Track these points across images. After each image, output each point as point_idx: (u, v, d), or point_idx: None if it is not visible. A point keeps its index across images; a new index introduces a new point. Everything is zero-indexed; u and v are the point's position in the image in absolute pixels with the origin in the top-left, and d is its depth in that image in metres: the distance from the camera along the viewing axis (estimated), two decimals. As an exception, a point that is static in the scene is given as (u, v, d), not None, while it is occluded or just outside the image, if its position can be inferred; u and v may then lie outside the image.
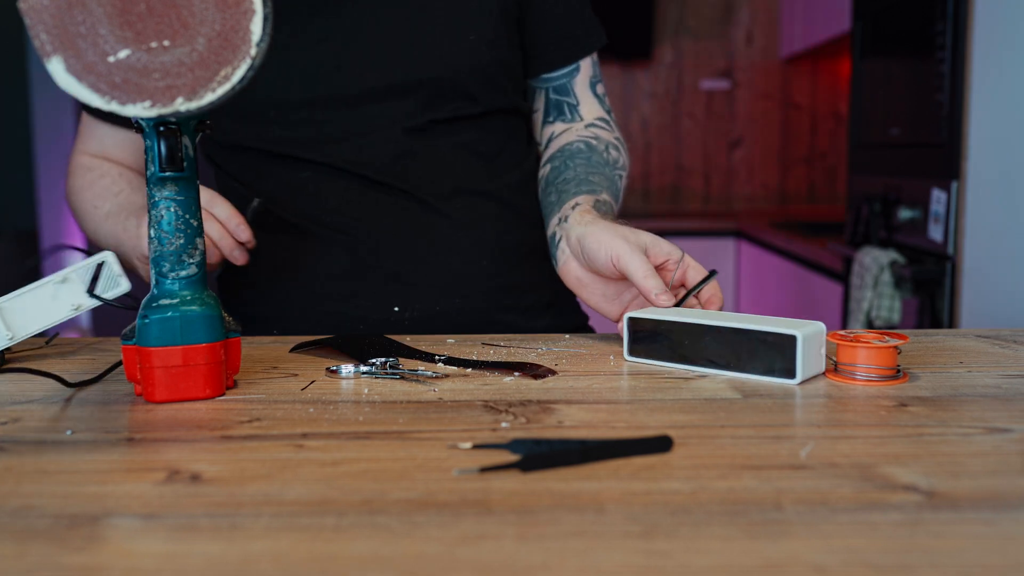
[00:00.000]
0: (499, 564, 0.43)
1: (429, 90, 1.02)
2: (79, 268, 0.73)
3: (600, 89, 1.16)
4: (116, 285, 0.75)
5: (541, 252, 1.08)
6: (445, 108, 1.04)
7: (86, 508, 0.50)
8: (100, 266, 0.73)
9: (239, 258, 0.95)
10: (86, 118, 1.13)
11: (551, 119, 1.15)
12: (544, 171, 1.10)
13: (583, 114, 1.14)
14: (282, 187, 1.04)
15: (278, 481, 0.53)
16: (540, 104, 1.16)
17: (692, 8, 4.05)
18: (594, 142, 1.09)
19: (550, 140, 1.14)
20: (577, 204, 0.96)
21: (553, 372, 0.79)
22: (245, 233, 0.94)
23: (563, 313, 1.16)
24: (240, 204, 1.01)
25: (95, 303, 0.74)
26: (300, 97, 1.01)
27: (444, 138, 1.05)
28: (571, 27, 1.12)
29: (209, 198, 0.92)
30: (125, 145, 1.12)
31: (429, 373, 0.78)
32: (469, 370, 0.81)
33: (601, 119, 1.14)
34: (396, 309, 1.03)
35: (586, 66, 1.14)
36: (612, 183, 1.05)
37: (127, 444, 0.61)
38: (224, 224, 0.93)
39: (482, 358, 0.85)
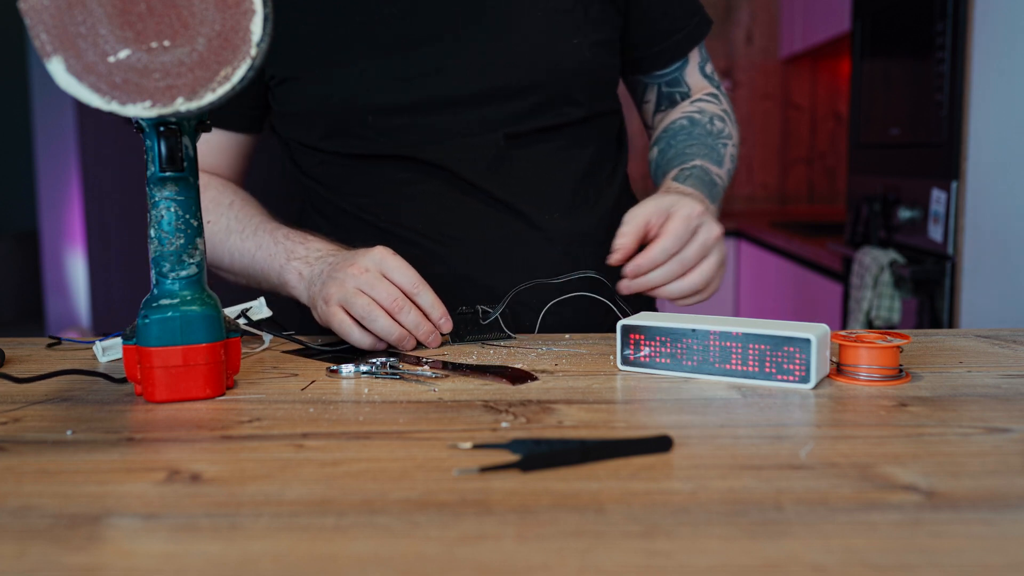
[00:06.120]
0: (499, 564, 0.43)
1: (532, 95, 0.99)
2: (240, 306, 0.93)
3: (709, 69, 1.15)
4: (260, 312, 0.94)
5: None
6: (549, 114, 1.01)
7: (86, 508, 0.50)
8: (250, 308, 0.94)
9: (434, 342, 0.89)
10: None
11: (662, 108, 1.16)
12: (652, 154, 1.11)
13: (692, 96, 1.14)
14: (377, 190, 1.01)
15: (278, 481, 0.53)
16: (652, 96, 1.15)
17: (692, 8, 4.05)
18: (697, 116, 1.10)
19: (659, 124, 1.15)
20: (665, 179, 1.00)
21: (534, 377, 0.77)
22: (448, 325, 0.88)
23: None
24: (326, 211, 1.01)
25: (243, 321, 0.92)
26: (400, 101, 0.97)
27: (544, 143, 1.02)
28: (679, 20, 1.10)
29: (414, 282, 0.86)
30: (222, 148, 1.04)
31: (429, 373, 0.78)
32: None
33: (709, 94, 1.14)
34: None
35: (694, 55, 1.13)
36: (713, 150, 1.06)
37: (127, 444, 0.61)
38: (428, 313, 0.87)
39: (482, 359, 0.85)
